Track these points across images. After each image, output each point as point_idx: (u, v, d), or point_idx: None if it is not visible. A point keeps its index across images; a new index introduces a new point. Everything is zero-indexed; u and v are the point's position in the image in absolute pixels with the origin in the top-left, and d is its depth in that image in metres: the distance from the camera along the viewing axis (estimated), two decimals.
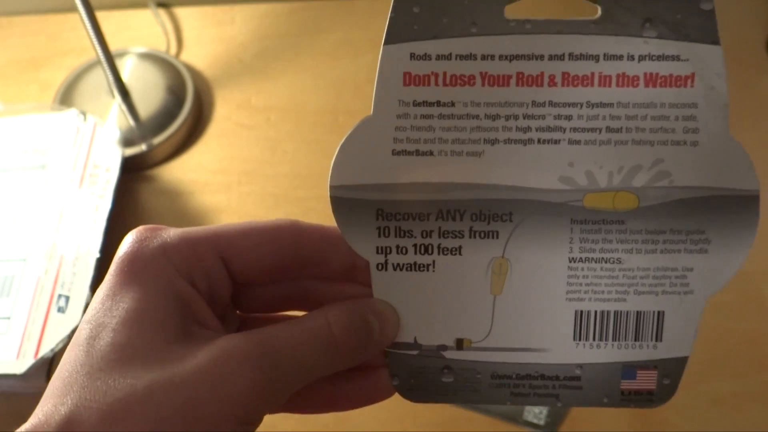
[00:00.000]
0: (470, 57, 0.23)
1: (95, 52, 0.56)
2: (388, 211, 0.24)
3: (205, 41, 0.65)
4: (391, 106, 0.24)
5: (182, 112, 0.60)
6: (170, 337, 0.22)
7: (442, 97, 0.24)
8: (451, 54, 0.23)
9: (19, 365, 0.45)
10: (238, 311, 0.26)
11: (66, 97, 0.61)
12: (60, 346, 0.45)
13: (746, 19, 0.62)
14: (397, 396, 0.27)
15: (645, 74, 0.23)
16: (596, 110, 0.23)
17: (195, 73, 0.63)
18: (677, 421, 0.45)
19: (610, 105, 0.23)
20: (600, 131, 0.24)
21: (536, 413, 0.46)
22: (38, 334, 0.46)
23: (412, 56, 0.23)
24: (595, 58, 0.23)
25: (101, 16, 0.55)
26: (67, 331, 0.45)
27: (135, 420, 0.20)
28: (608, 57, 0.23)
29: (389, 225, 0.25)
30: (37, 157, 0.54)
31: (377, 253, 0.25)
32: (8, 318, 0.47)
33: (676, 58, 0.23)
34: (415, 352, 0.26)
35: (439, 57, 0.23)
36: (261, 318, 0.27)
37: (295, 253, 0.25)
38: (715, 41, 0.23)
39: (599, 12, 0.23)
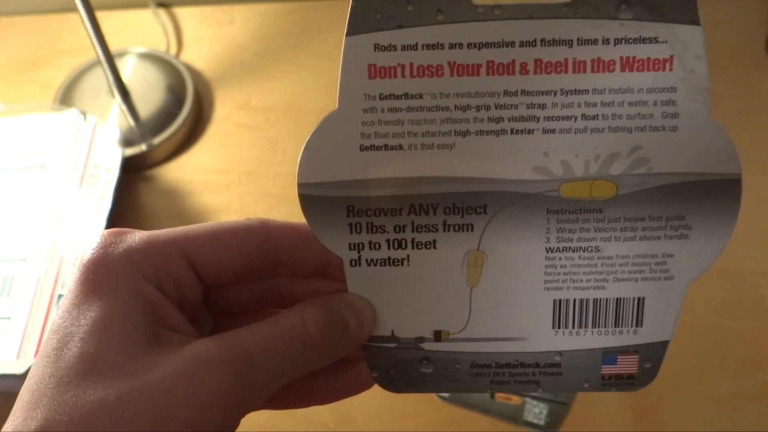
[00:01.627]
0: (437, 46, 0.22)
1: (95, 52, 0.56)
2: (359, 207, 0.24)
3: (205, 41, 0.65)
4: (356, 100, 0.23)
5: (182, 112, 0.60)
6: (140, 344, 0.21)
7: (410, 89, 0.23)
8: (417, 44, 0.22)
9: (19, 365, 0.45)
10: (210, 312, 0.26)
11: (66, 97, 0.61)
12: None
13: (746, 19, 0.62)
14: (398, 395, 0.27)
15: (621, 58, 0.22)
16: (571, 98, 0.23)
17: (195, 73, 0.63)
18: (677, 421, 0.45)
19: (585, 92, 0.23)
20: (575, 119, 0.23)
21: (536, 413, 0.45)
22: (38, 334, 0.46)
23: (377, 47, 0.22)
24: (569, 43, 0.22)
25: (101, 16, 0.55)
26: None
27: None
28: (582, 42, 0.22)
29: (361, 221, 0.24)
30: (37, 157, 0.54)
31: (350, 249, 0.25)
32: (8, 318, 0.47)
33: (653, 40, 0.22)
34: (393, 345, 0.26)
35: (404, 47, 0.22)
36: (234, 318, 0.26)
37: (265, 254, 0.24)
38: (695, 21, 0.22)
39: None
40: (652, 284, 0.25)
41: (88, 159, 0.54)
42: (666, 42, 0.22)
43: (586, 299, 0.25)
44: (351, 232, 0.24)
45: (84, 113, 0.56)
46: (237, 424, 0.22)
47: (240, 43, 0.65)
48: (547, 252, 0.24)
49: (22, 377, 0.44)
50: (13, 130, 0.56)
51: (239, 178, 0.58)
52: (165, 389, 0.20)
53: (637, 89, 0.23)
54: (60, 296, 0.48)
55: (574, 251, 0.24)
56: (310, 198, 0.24)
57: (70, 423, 0.19)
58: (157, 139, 0.58)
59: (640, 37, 0.22)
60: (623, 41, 0.22)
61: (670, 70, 0.22)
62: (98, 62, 0.58)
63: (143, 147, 0.58)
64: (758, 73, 0.59)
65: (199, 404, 0.20)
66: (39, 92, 0.63)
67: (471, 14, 0.22)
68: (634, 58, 0.22)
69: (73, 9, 0.53)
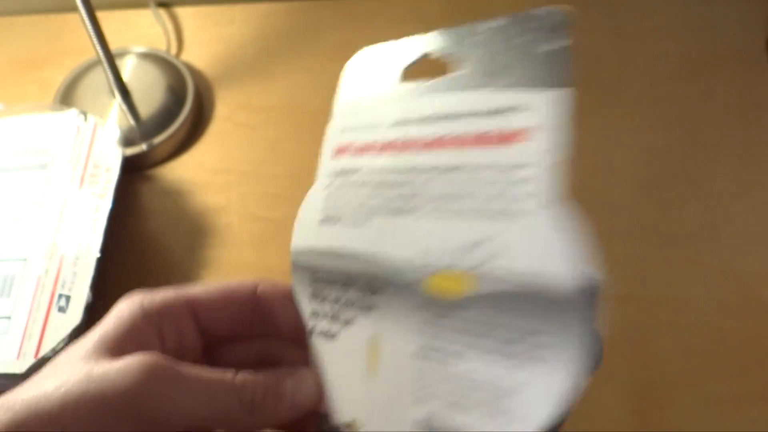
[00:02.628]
0: (375, 125, 0.24)
1: (95, 51, 0.56)
2: (316, 276, 0.25)
3: (205, 41, 0.65)
4: (323, 176, 0.25)
5: (182, 112, 0.60)
6: (89, 356, 0.23)
7: (351, 165, 0.24)
8: (365, 122, 0.24)
9: (19, 365, 0.45)
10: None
11: (66, 97, 0.61)
12: (61, 345, 0.45)
13: (746, 19, 0.62)
14: None
15: (482, 133, 0.20)
16: (447, 175, 0.21)
17: (195, 73, 0.63)
18: (677, 421, 0.45)
19: (456, 169, 0.21)
20: (447, 200, 0.21)
21: None
22: (39, 334, 0.46)
23: (344, 129, 0.25)
24: (447, 117, 0.21)
25: (101, 16, 0.55)
26: (68, 331, 0.45)
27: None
28: (453, 117, 0.21)
29: (316, 289, 0.25)
30: (37, 157, 0.54)
31: (310, 317, 0.25)
32: (9, 318, 0.47)
33: (511, 110, 0.20)
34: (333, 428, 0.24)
35: (356, 128, 0.24)
36: None
37: (253, 314, 0.26)
38: (560, 85, 0.19)
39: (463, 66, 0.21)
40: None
41: (88, 159, 0.54)
42: (527, 110, 0.20)
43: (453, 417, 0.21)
44: (310, 301, 0.25)
45: (84, 113, 0.56)
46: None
47: (240, 43, 0.65)
48: (417, 352, 0.21)
49: (22, 377, 0.44)
50: (13, 130, 0.56)
51: (239, 178, 0.58)
52: (99, 375, 0.23)
53: (493, 166, 0.20)
54: (60, 296, 0.48)
55: (442, 354, 0.21)
56: (293, 264, 0.26)
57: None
58: (158, 139, 0.58)
59: (498, 108, 0.20)
60: (483, 114, 0.20)
61: (528, 142, 0.20)
62: (98, 62, 0.58)
63: (143, 147, 0.58)
64: (758, 73, 0.59)
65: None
66: (39, 92, 0.63)
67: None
68: (490, 131, 0.20)
69: (73, 9, 0.53)
